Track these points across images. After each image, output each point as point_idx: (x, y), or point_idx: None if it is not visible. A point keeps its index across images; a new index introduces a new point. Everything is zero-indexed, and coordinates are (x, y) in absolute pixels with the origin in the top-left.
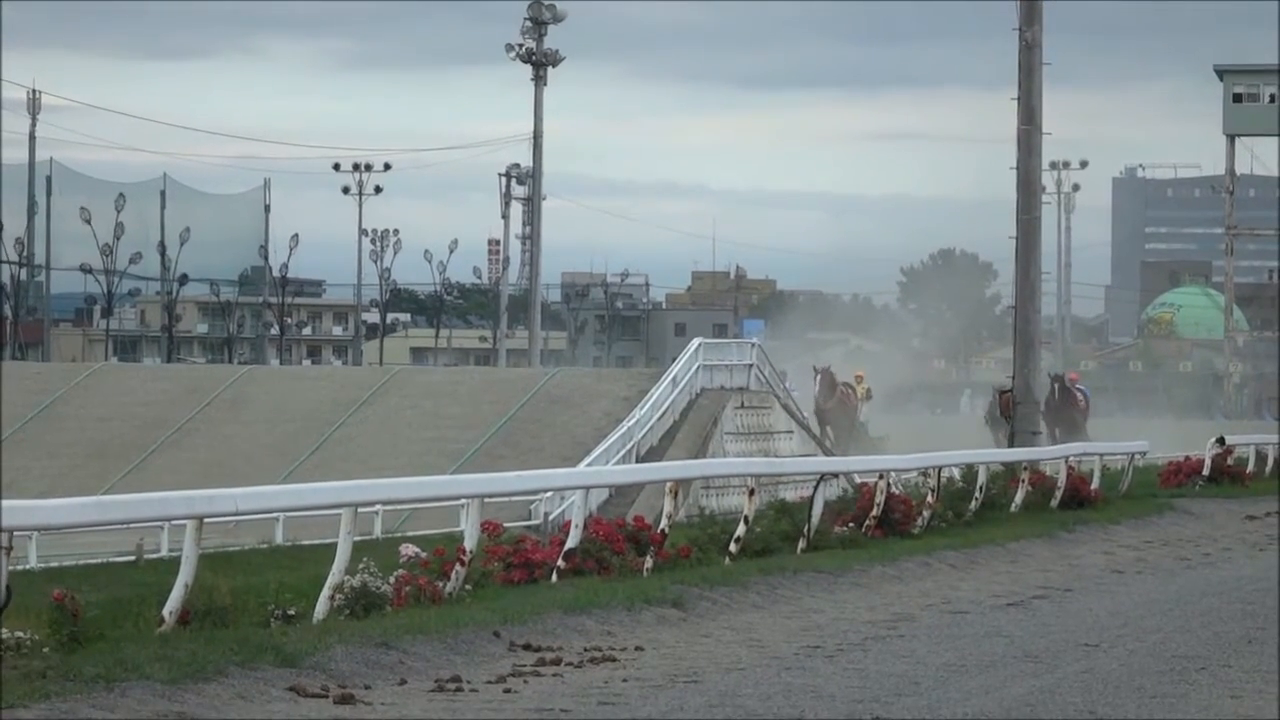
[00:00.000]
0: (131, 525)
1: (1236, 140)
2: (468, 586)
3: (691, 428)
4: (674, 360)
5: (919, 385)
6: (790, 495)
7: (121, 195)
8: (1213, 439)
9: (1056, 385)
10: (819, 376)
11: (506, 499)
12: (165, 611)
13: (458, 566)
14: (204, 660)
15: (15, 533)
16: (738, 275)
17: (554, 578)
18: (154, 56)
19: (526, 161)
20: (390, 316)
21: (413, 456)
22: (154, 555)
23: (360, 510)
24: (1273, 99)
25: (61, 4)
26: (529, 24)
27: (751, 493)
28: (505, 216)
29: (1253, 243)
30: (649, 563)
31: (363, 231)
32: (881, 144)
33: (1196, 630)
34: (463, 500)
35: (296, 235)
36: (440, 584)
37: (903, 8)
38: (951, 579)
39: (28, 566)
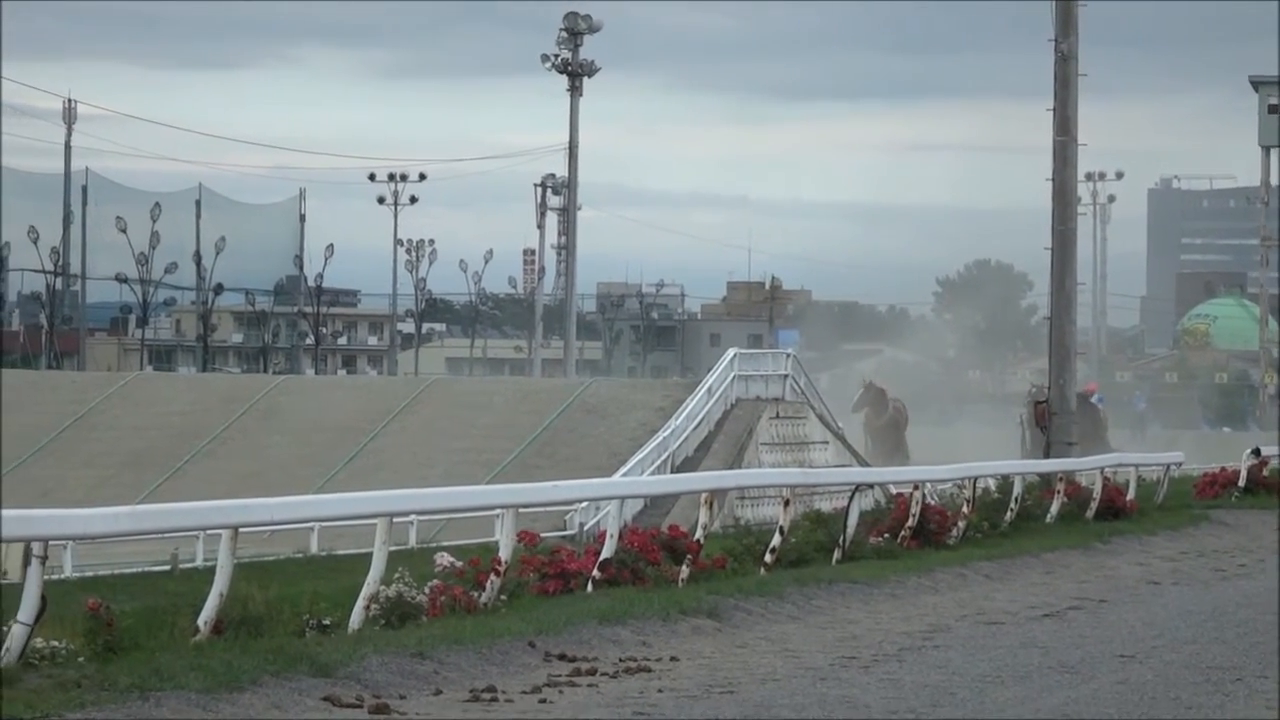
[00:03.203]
0: (166, 535)
1: (1272, 151)
2: (503, 597)
3: (727, 438)
4: (709, 371)
5: (952, 396)
6: (825, 506)
7: (157, 205)
8: (1248, 450)
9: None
10: (864, 393)
11: (542, 509)
12: (200, 621)
13: (493, 577)
14: (239, 670)
15: (51, 542)
16: (773, 286)
17: (589, 588)
18: (190, 66)
19: (562, 172)
20: (425, 326)
21: (448, 466)
22: (189, 565)
23: (395, 520)
24: None
25: (99, 14)
26: (565, 34)
27: (787, 503)
28: (541, 227)
29: None
30: (684, 573)
31: (398, 241)
32: (917, 154)
33: (1232, 641)
34: (498, 510)
35: (332, 245)
36: (475, 594)
37: (939, 19)
38: (987, 590)
39: (63, 576)
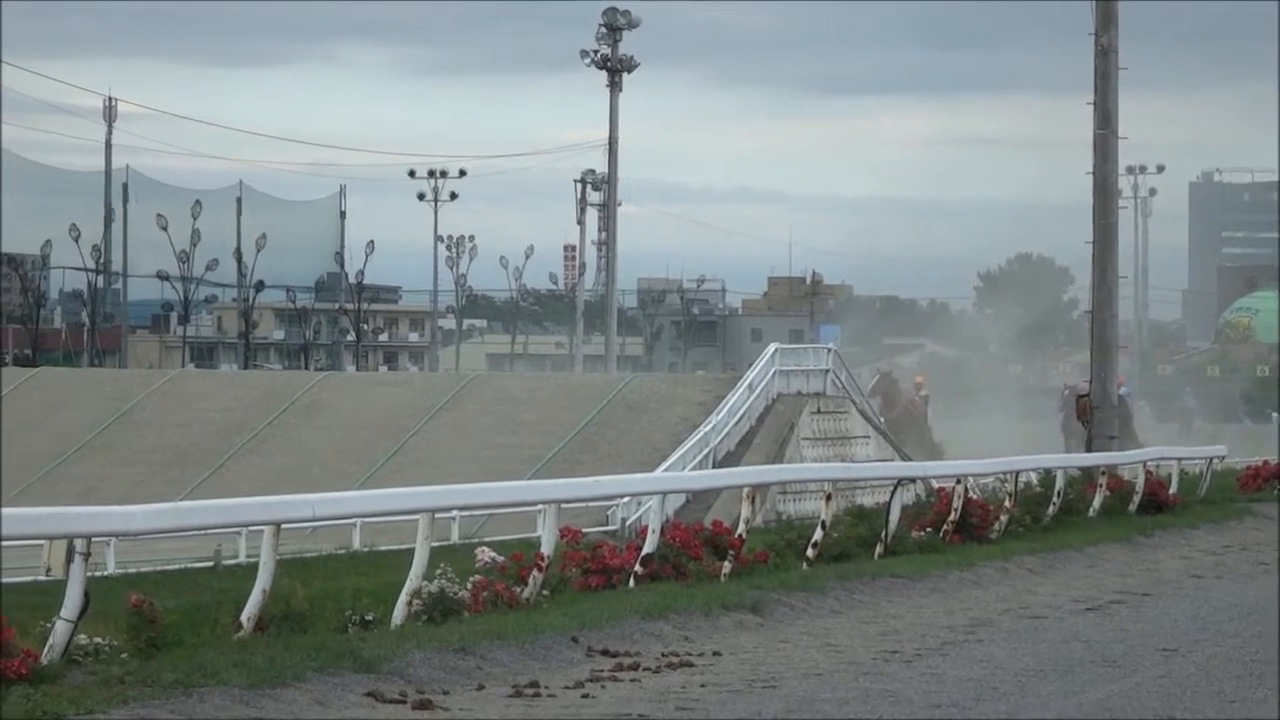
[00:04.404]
0: (209, 531)
1: None
2: (545, 592)
3: (768, 433)
4: (750, 366)
5: (993, 390)
6: (867, 500)
7: (198, 202)
8: None
9: None
10: (878, 380)
11: (584, 504)
12: (243, 617)
13: (535, 572)
14: (282, 666)
15: (94, 539)
16: (814, 280)
17: (631, 583)
18: (231, 63)
19: (602, 167)
20: (466, 323)
21: (489, 462)
22: (232, 561)
23: (437, 516)
24: None
25: (139, 13)
26: (604, 30)
27: (829, 498)
28: (581, 223)
29: None
30: (727, 568)
31: (438, 238)
32: (958, 148)
33: (1275, 635)
34: (540, 506)
35: (372, 241)
36: (518, 589)
37: (979, 12)
38: (1029, 584)
39: (106, 573)
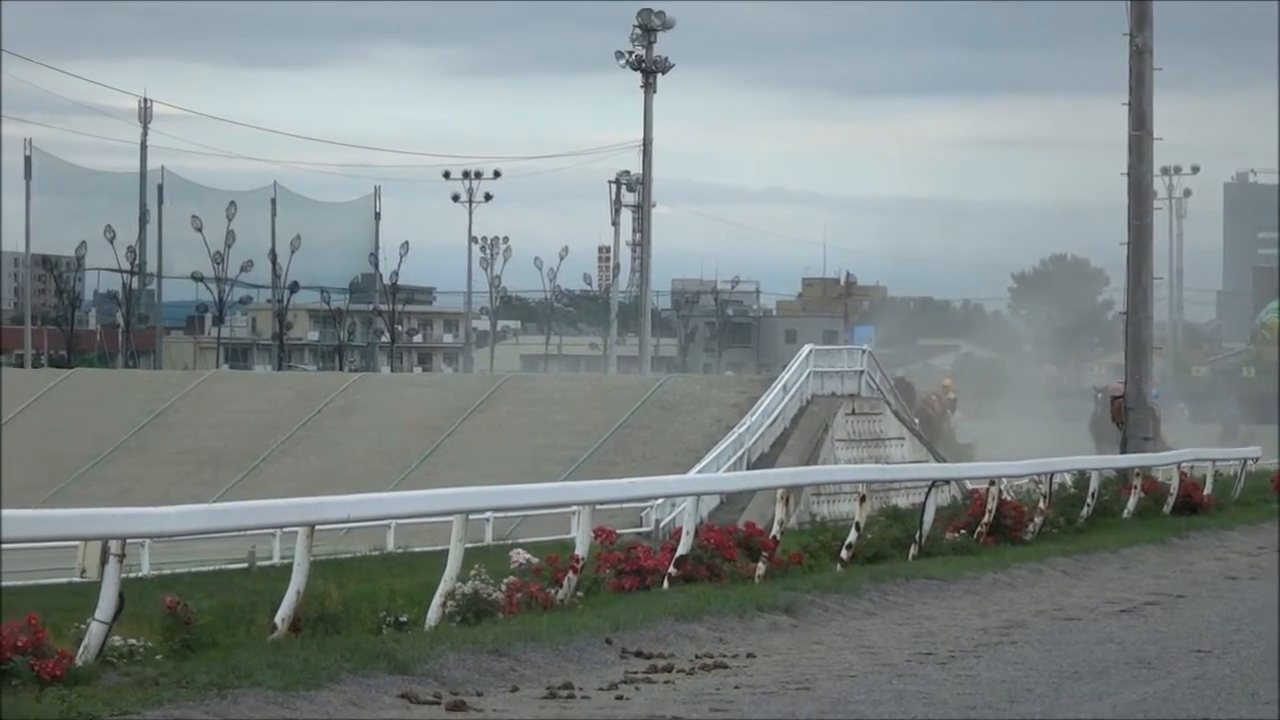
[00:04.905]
0: (243, 533)
1: None
2: (579, 593)
3: (803, 434)
4: (784, 367)
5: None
6: (902, 502)
7: (233, 203)
8: None
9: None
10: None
11: (618, 506)
12: (277, 618)
13: (570, 573)
14: (316, 667)
15: (128, 540)
16: (848, 281)
17: (666, 584)
18: (265, 65)
19: (636, 169)
20: (500, 324)
21: (523, 463)
22: (266, 562)
23: (471, 517)
24: None
25: (173, 13)
26: (638, 31)
27: (863, 499)
28: (615, 223)
29: None
30: (761, 569)
31: (473, 239)
32: (992, 150)
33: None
34: (574, 507)
35: (407, 243)
36: (552, 591)
37: (1012, 13)
38: (1064, 585)
39: (141, 574)
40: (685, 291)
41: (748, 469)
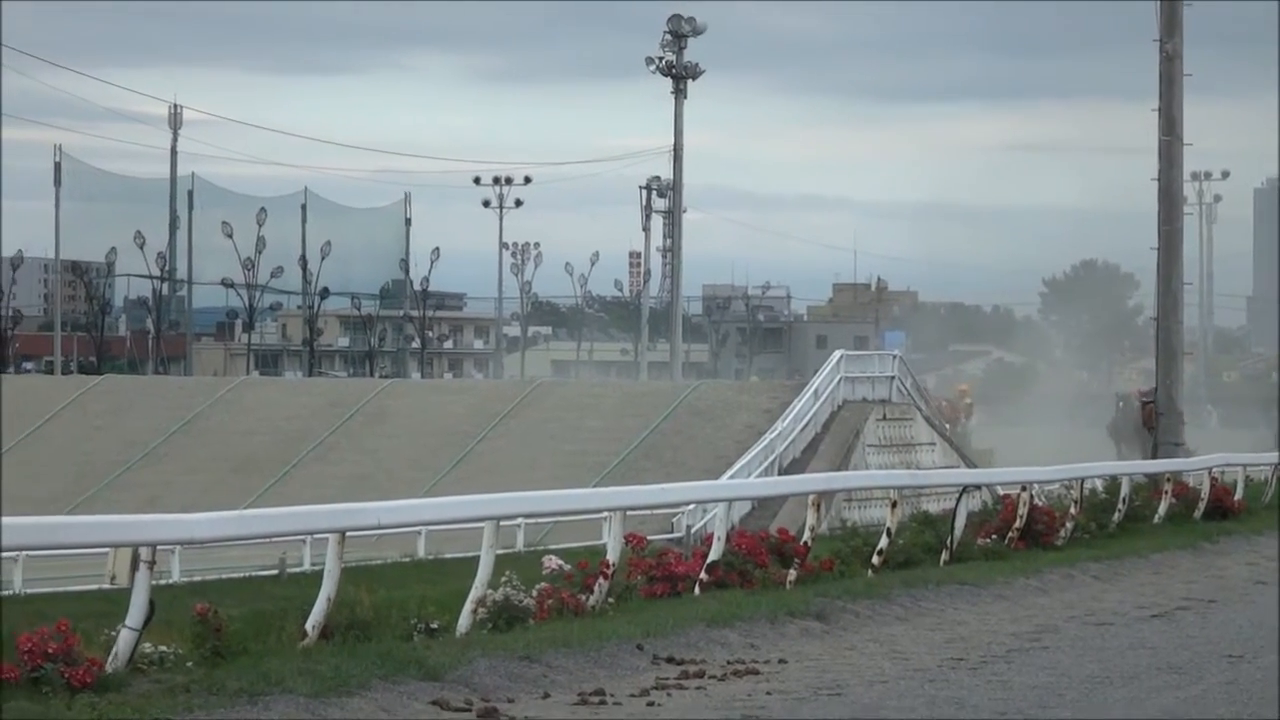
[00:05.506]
0: (274, 539)
1: None
2: (611, 599)
3: (833, 440)
4: (815, 373)
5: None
6: (933, 507)
7: (263, 209)
8: None
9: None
10: None
11: (649, 512)
12: (308, 625)
13: (601, 580)
14: (347, 674)
15: (159, 547)
16: (879, 287)
17: (697, 590)
18: (294, 71)
19: (667, 174)
20: (531, 329)
21: (554, 469)
22: (296, 569)
23: (502, 524)
24: None
25: (204, 19)
26: (669, 37)
27: (894, 505)
28: (646, 229)
29: None
30: (792, 575)
31: (503, 245)
32: (1023, 155)
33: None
34: (605, 513)
35: (437, 248)
36: (583, 597)
37: (1044, 19)
38: (1095, 590)
39: (171, 581)
40: (716, 297)
41: (779, 474)
